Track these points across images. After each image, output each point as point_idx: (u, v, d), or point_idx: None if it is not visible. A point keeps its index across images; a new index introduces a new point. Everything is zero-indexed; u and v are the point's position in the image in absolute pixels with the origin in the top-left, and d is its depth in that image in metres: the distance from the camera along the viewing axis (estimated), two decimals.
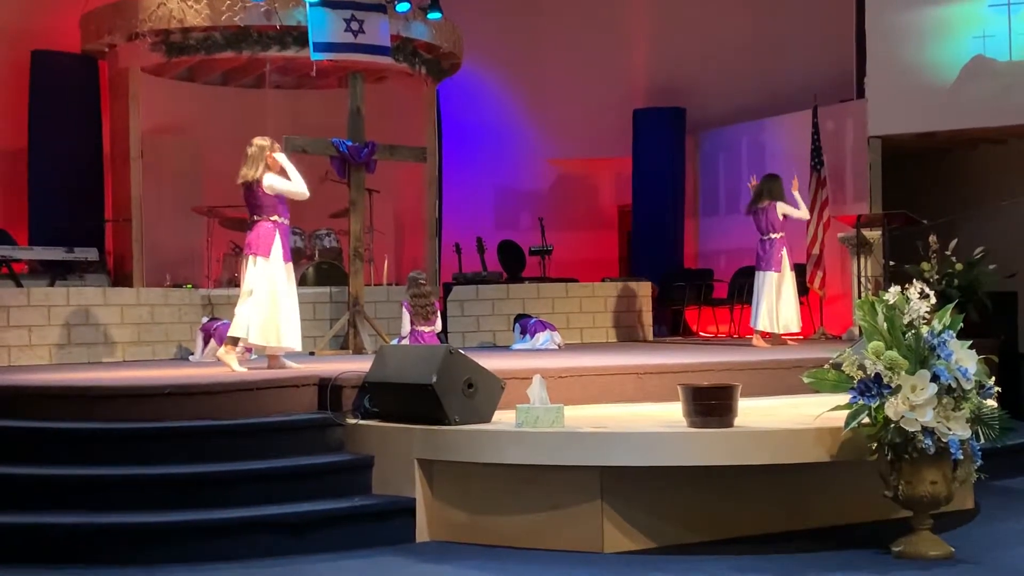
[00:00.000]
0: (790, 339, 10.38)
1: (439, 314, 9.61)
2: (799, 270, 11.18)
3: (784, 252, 10.11)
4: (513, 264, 13.76)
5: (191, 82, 12.78)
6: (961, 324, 5.39)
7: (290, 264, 7.62)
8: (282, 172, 7.54)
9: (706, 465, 5.46)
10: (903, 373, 5.16)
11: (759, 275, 10.18)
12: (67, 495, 5.63)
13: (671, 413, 5.93)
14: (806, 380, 5.59)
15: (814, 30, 13.76)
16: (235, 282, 9.82)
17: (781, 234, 10.12)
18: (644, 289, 12.04)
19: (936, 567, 5.14)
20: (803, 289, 11.92)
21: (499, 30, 14.63)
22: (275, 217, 7.52)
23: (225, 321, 8.75)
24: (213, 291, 10.45)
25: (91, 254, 10.98)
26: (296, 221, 7.93)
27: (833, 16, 13.44)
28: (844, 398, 5.35)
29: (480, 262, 13.05)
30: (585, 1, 14.90)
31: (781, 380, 7.39)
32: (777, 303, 10.05)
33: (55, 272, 10.75)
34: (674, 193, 14.34)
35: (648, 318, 11.97)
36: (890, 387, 5.16)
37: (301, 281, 10.79)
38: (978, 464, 5.30)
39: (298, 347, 7.61)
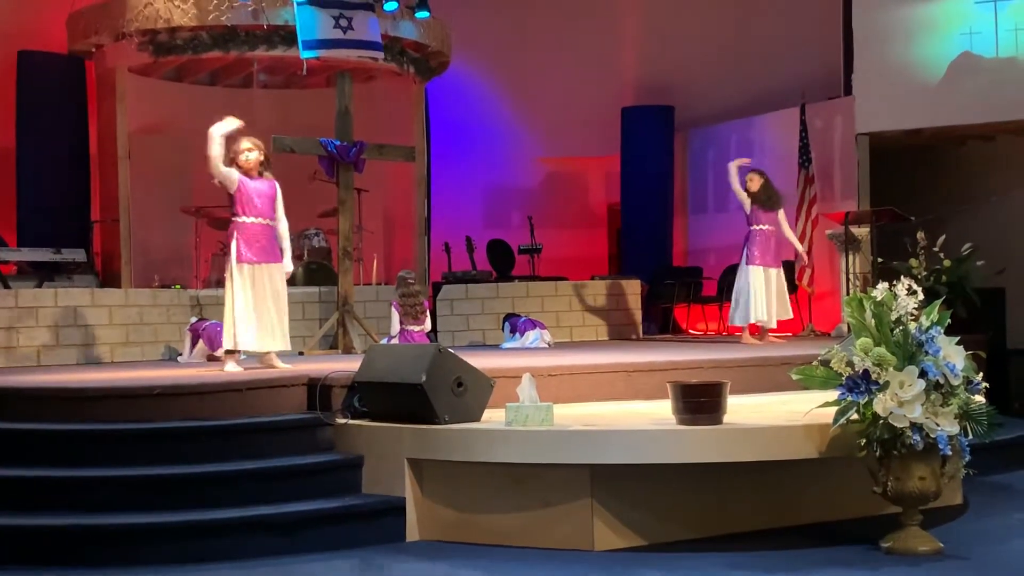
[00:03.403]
0: (776, 337, 10.39)
1: (428, 313, 9.60)
2: (787, 267, 11.18)
3: (765, 245, 10.07)
4: (502, 263, 13.76)
5: (178, 82, 12.74)
6: (949, 320, 5.40)
7: (267, 265, 7.54)
8: (247, 173, 7.52)
9: (696, 462, 5.47)
10: (891, 369, 5.17)
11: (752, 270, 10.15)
12: (55, 496, 5.62)
13: (660, 411, 5.93)
14: (795, 377, 5.60)
15: (802, 28, 13.78)
16: (223, 283, 9.79)
17: (763, 226, 10.07)
18: (633, 287, 12.05)
19: (925, 562, 5.15)
20: (792, 286, 11.94)
21: (488, 29, 14.62)
22: (242, 218, 7.51)
23: (214, 322, 8.74)
24: (202, 292, 10.43)
25: (79, 255, 10.94)
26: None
27: (820, 14, 13.46)
28: (833, 394, 5.36)
29: (469, 261, 13.05)
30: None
31: (770, 377, 7.40)
32: (766, 296, 10.04)
33: (43, 273, 10.72)
34: (663, 191, 14.36)
35: (637, 316, 11.98)
36: (878, 383, 5.17)
37: (290, 281, 10.76)
38: (966, 460, 5.32)
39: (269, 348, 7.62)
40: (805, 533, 5.78)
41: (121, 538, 5.36)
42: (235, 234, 7.48)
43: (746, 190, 10.09)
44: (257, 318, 7.46)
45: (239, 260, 7.45)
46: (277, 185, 7.67)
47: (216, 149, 7.39)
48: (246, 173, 7.52)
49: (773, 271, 10.09)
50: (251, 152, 7.52)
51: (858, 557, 5.27)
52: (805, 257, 10.58)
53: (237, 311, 7.41)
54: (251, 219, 7.51)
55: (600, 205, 15.63)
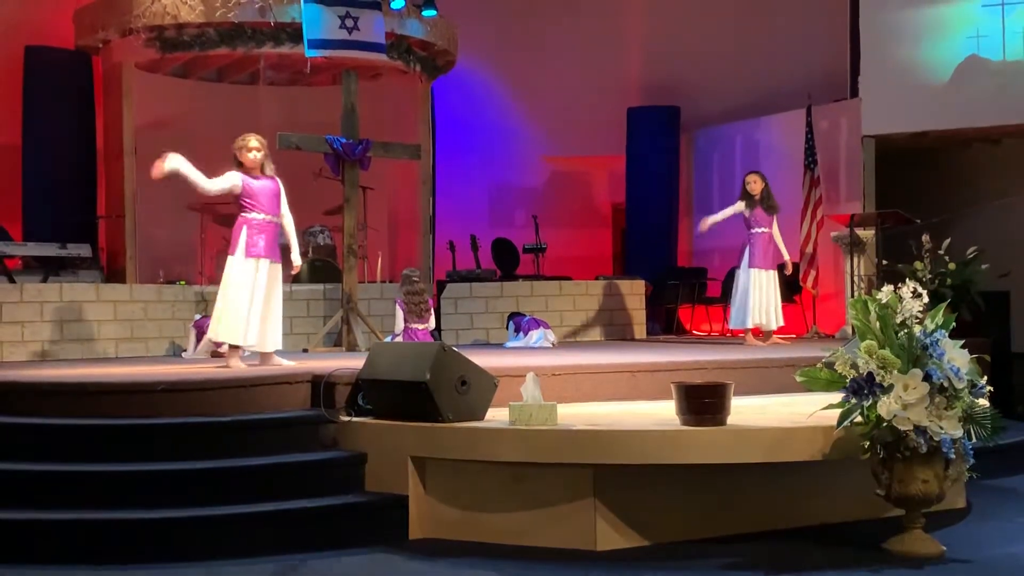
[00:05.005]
0: (781, 338, 10.38)
1: (432, 311, 9.60)
2: (792, 269, 11.16)
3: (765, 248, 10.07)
4: (507, 262, 13.76)
5: (185, 78, 12.76)
6: (954, 323, 5.40)
7: (272, 262, 7.51)
8: (251, 171, 7.54)
9: (699, 463, 5.47)
10: (896, 372, 5.17)
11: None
12: (56, 492, 5.62)
13: (664, 411, 5.93)
14: (799, 379, 5.60)
15: (808, 29, 13.78)
16: None
17: (763, 229, 10.06)
18: (638, 287, 12.04)
19: (928, 566, 5.15)
20: (796, 288, 11.94)
21: (494, 27, 14.63)
22: (252, 214, 7.51)
23: None
24: (206, 288, 10.43)
25: (84, 250, 10.95)
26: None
27: (827, 15, 13.46)
28: (837, 397, 5.36)
29: (474, 259, 13.05)
30: None
31: (774, 379, 7.39)
32: (766, 298, 10.03)
33: (48, 268, 10.74)
34: (668, 191, 14.36)
35: (641, 316, 11.97)
36: (882, 386, 5.17)
37: (295, 278, 10.80)
38: (970, 463, 5.32)
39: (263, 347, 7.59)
40: (807, 535, 5.78)
41: (122, 534, 5.37)
42: (244, 228, 7.46)
43: (748, 192, 10.07)
44: (260, 314, 7.45)
45: (248, 254, 7.43)
46: (280, 182, 7.68)
47: (195, 177, 7.46)
48: (249, 171, 7.53)
49: (772, 273, 10.08)
50: (259, 152, 7.54)
51: (860, 559, 5.27)
52: (790, 266, 10.56)
53: (240, 304, 7.38)
54: (260, 215, 7.52)
55: (605, 205, 15.64)
